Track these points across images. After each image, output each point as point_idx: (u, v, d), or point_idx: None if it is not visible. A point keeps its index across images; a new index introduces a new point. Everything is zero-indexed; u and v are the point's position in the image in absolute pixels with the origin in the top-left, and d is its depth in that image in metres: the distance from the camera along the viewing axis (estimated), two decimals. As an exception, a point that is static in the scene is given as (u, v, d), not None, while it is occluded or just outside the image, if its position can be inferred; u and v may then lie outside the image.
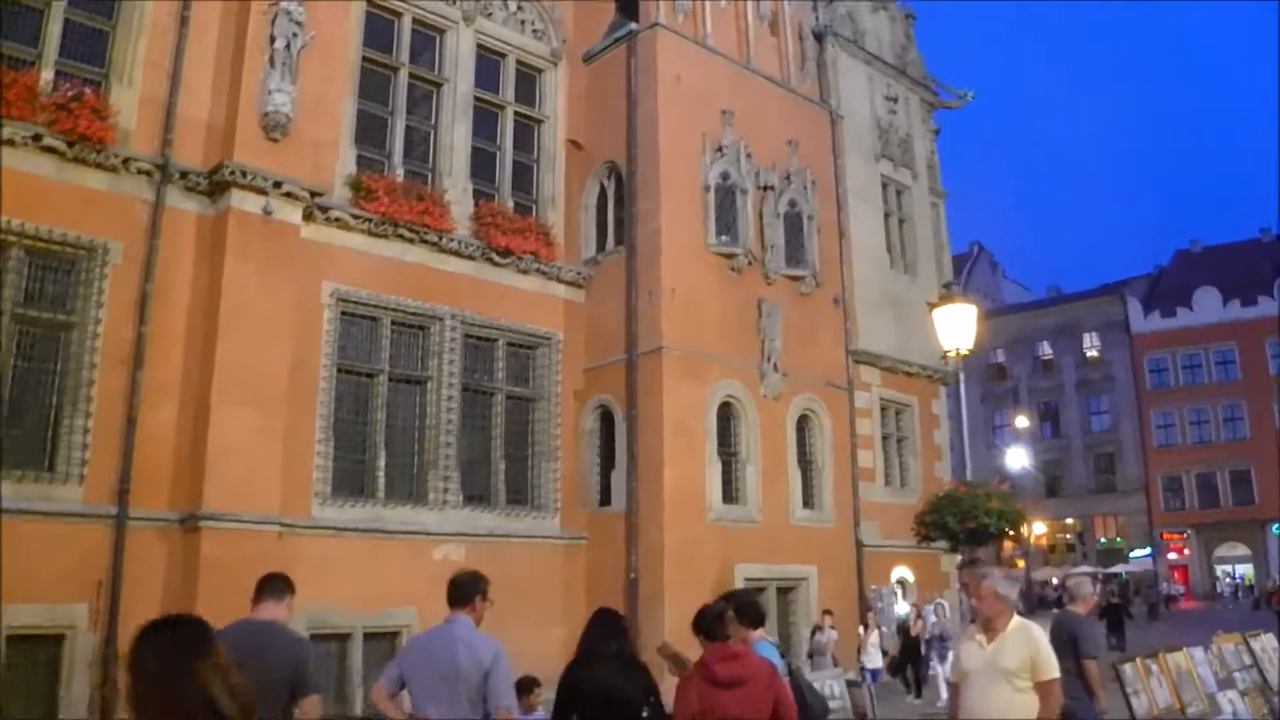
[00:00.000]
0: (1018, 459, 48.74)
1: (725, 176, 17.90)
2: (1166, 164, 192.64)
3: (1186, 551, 54.57)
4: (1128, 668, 7.70)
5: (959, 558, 31.07)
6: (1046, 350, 59.21)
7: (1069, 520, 57.50)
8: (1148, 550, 54.23)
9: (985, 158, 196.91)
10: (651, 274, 16.91)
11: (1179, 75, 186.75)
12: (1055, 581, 52.18)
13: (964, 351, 11.31)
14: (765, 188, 18.60)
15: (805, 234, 19.03)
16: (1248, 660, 9.49)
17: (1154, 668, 7.97)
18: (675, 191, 17.32)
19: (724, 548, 16.60)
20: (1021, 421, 53.28)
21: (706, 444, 16.76)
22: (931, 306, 11.87)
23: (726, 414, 17.44)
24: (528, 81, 18.75)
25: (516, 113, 18.38)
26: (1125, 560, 53.97)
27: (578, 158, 18.84)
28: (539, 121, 18.71)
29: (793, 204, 18.93)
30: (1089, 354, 58.13)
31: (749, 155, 18.36)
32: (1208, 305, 55.22)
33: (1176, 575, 54.36)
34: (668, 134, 17.48)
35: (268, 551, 12.35)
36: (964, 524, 11.87)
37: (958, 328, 11.34)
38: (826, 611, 16.66)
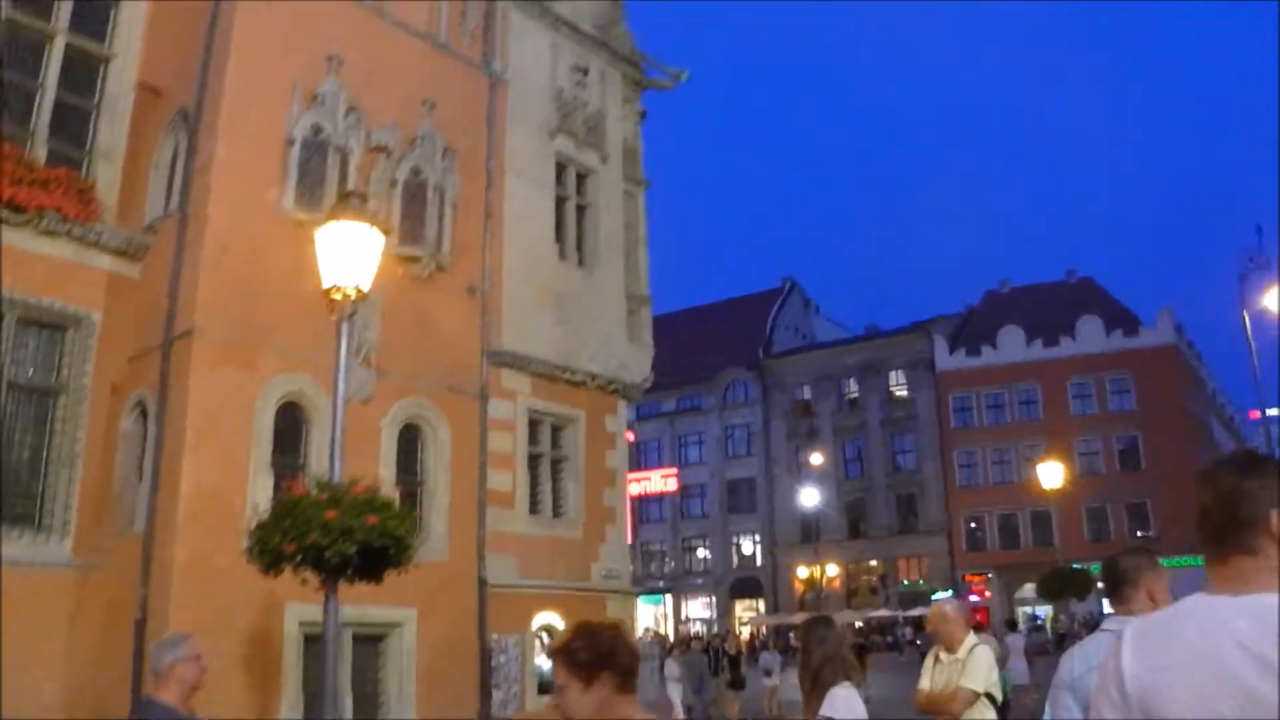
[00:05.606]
0: (810, 498, 46.77)
1: (317, 130, 14.75)
2: (995, 202, 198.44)
3: (988, 593, 53.41)
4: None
5: (641, 599, 27.99)
6: (853, 388, 57.61)
7: (873, 562, 55.78)
8: (950, 592, 52.79)
9: (820, 198, 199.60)
10: (197, 240, 13.63)
11: (1003, 121, 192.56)
12: (858, 625, 50.39)
13: (352, 294, 8.25)
14: (378, 149, 15.53)
15: (429, 207, 15.97)
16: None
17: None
18: (241, 141, 14.06)
19: (270, 582, 13.25)
20: (816, 459, 51.33)
21: (254, 451, 13.41)
22: (314, 226, 8.82)
23: (295, 417, 14.18)
24: (96, 10, 15.31)
25: (71, 45, 14.95)
26: (928, 602, 52.33)
27: (156, 106, 15.47)
28: (104, 59, 15.30)
29: (416, 172, 15.87)
30: (895, 392, 56.81)
31: (353, 109, 15.27)
32: (1012, 344, 54.55)
33: (979, 616, 53.13)
34: (241, 72, 14.24)
35: None
36: (286, 545, 8.34)
37: (350, 257, 8.28)
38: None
